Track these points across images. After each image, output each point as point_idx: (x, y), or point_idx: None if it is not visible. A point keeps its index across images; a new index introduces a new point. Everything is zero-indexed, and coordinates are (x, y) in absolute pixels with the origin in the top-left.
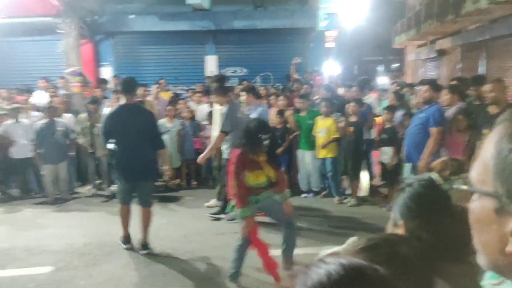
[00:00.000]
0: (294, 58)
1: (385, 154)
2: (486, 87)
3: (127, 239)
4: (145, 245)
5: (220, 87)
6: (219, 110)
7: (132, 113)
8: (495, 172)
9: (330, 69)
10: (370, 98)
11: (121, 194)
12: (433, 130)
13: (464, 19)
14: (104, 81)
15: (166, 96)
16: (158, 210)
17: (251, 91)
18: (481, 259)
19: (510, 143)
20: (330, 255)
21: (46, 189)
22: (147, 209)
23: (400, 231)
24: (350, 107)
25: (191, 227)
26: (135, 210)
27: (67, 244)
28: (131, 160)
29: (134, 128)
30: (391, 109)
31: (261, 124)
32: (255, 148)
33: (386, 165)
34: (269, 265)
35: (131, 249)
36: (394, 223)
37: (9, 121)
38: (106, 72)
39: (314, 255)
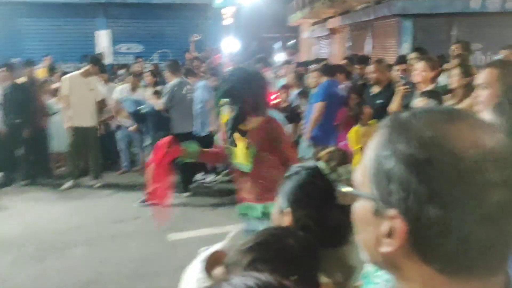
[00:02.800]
0: (193, 35)
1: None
2: (369, 68)
3: None
4: None
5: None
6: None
7: None
8: (372, 176)
9: (229, 46)
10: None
11: None
12: (316, 105)
13: (352, 0)
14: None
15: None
16: (50, 200)
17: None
18: (363, 255)
19: (384, 150)
20: (215, 255)
21: None
22: None
23: (287, 218)
24: None
25: (88, 216)
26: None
27: None
28: None
29: None
30: (286, 88)
31: None
32: None
33: None
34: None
35: None
36: (280, 210)
37: None
38: None
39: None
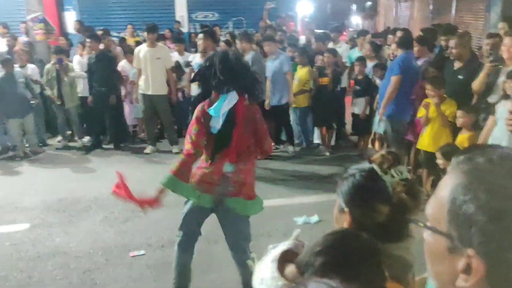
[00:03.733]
0: (267, 3)
1: (358, 105)
2: (451, 43)
3: None
4: None
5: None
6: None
7: None
8: (450, 216)
9: (303, 10)
10: (341, 46)
11: None
12: (392, 79)
13: None
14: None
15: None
16: (135, 164)
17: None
18: (434, 285)
19: (464, 195)
20: (286, 255)
21: (15, 143)
22: None
23: (346, 218)
24: (325, 58)
25: None
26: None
27: (41, 201)
28: None
29: None
30: (363, 60)
31: None
32: None
33: (358, 116)
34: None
35: None
36: (340, 209)
37: None
38: (70, 17)
39: (286, 206)
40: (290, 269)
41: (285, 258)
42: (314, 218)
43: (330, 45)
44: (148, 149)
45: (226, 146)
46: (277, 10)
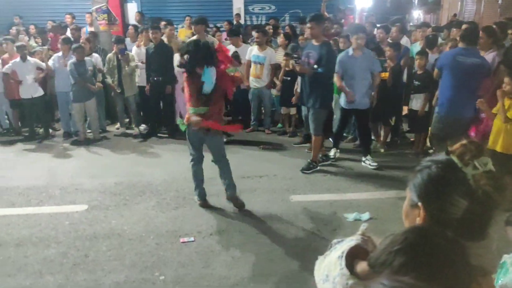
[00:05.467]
0: None
1: (416, 100)
2: None
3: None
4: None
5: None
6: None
7: None
8: None
9: (362, 3)
10: (403, 38)
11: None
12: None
13: None
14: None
15: (189, 33)
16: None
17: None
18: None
19: None
20: (355, 251)
21: (78, 128)
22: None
23: (419, 213)
24: (387, 51)
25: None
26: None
27: (99, 184)
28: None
29: None
30: (424, 54)
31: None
32: None
33: (416, 112)
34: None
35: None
36: (413, 204)
37: (17, 60)
38: (132, 9)
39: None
40: (362, 267)
41: (353, 255)
42: (365, 215)
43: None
44: None
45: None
46: (335, 3)
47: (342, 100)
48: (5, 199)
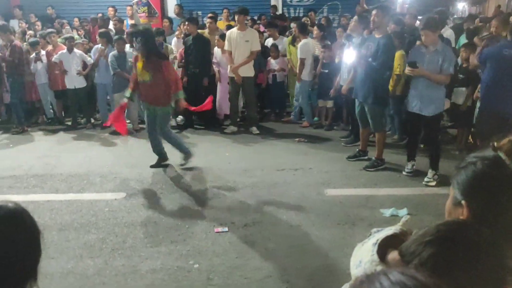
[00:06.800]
0: None
1: (459, 94)
2: None
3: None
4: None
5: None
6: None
7: None
8: None
9: None
10: (447, 31)
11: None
12: None
13: None
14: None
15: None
16: (223, 143)
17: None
18: None
19: None
20: (386, 240)
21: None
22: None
23: (463, 211)
24: None
25: (254, 161)
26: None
27: (137, 173)
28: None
29: None
30: (469, 46)
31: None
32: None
33: (458, 107)
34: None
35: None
36: (456, 201)
37: (63, 51)
38: (171, 2)
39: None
40: (393, 255)
41: (388, 244)
42: (403, 211)
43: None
44: (229, 129)
45: None
46: None
47: (412, 103)
48: (50, 185)
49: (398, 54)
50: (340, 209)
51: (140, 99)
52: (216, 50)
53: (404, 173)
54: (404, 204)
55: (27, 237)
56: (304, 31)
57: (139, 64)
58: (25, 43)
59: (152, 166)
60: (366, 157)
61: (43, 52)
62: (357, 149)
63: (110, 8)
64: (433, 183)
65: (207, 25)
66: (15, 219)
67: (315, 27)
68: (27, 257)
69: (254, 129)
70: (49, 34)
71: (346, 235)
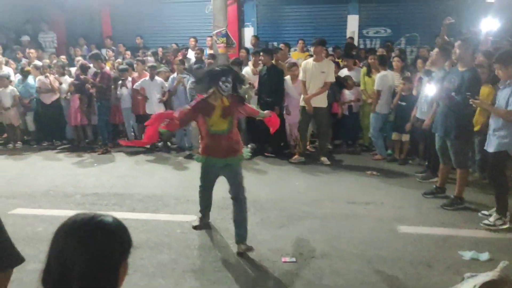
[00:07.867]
0: (446, 18)
1: None
2: None
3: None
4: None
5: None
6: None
7: None
8: None
9: (488, 26)
10: None
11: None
12: None
13: None
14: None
15: (302, 57)
16: (293, 172)
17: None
18: None
19: None
20: (485, 284)
21: (193, 143)
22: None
23: None
24: None
25: (324, 192)
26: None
27: None
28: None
29: None
30: None
31: (222, 67)
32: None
33: None
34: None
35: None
36: None
37: (146, 78)
38: (248, 33)
39: (450, 237)
40: None
41: None
42: (484, 256)
43: None
44: (296, 159)
45: None
46: (457, 26)
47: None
48: (128, 204)
49: (486, 89)
50: (414, 248)
51: (204, 154)
52: (287, 79)
53: (480, 214)
54: (486, 247)
55: (121, 251)
56: (383, 63)
57: (217, 112)
58: (113, 70)
59: (195, 228)
60: (443, 195)
61: (129, 79)
62: (434, 186)
63: (192, 39)
64: (505, 226)
65: (281, 50)
66: (114, 232)
67: (396, 58)
68: (116, 269)
69: (325, 160)
70: (135, 62)
71: (421, 276)
